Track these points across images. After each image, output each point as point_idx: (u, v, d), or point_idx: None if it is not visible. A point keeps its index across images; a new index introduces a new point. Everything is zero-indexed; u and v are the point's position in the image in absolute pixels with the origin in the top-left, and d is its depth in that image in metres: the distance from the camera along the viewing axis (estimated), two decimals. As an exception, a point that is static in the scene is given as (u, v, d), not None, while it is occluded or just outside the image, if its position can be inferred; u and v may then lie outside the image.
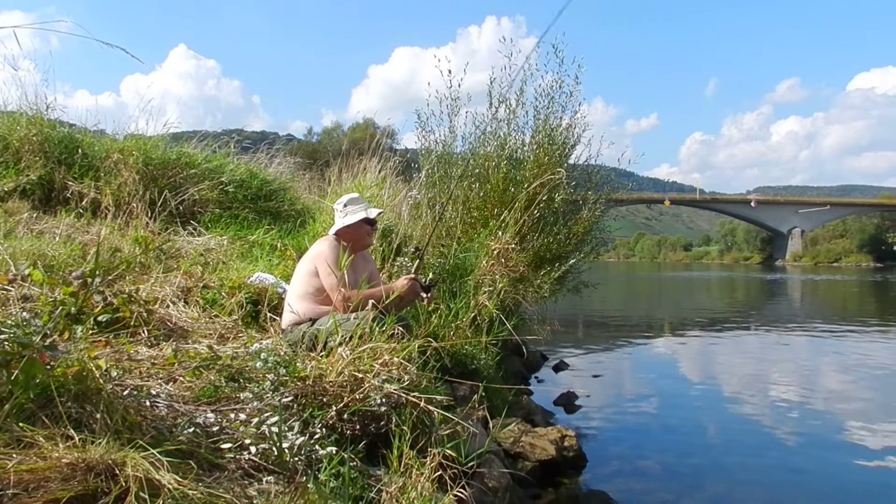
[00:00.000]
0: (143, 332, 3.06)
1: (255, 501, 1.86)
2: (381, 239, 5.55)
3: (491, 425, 3.30)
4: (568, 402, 7.13)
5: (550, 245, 7.01)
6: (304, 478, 2.05)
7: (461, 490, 2.31)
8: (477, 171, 7.27)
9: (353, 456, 2.26)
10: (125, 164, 6.23)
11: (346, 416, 2.51)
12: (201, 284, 4.04)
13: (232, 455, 2.05)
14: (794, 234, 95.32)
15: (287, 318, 3.43)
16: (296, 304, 3.41)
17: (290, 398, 2.45)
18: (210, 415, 2.25)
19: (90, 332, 2.73)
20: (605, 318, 17.66)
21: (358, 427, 2.53)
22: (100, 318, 2.91)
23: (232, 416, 2.29)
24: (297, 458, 2.12)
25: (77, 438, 1.71)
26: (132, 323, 3.05)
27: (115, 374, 2.28)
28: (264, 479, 2.02)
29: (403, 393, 2.58)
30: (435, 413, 2.62)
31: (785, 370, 10.08)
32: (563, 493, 4.50)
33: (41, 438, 1.69)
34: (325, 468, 2.10)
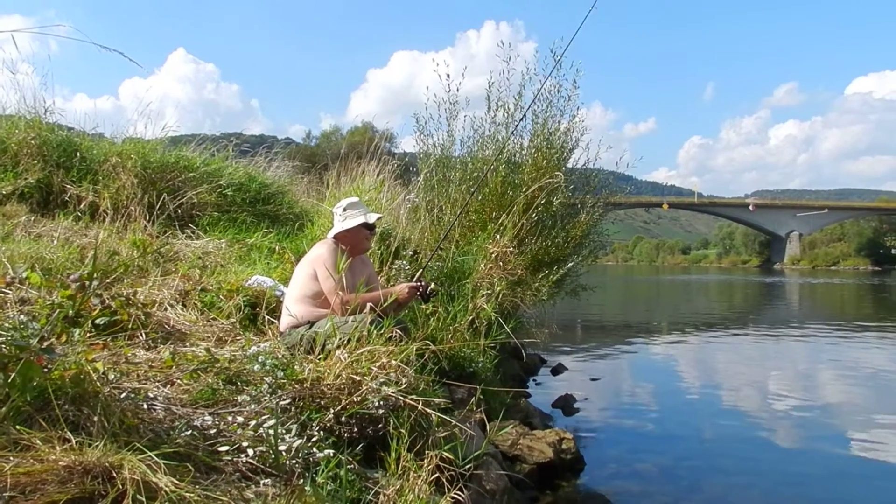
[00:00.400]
0: (141, 335, 3.06)
1: (252, 504, 1.87)
2: (380, 242, 5.56)
3: (488, 428, 3.30)
4: (566, 404, 7.12)
5: (548, 248, 7.01)
6: (302, 480, 2.05)
7: (458, 492, 2.31)
8: (475, 174, 7.28)
9: (350, 458, 2.26)
10: (123, 167, 6.24)
11: (343, 418, 2.52)
12: (199, 287, 4.04)
13: (229, 458, 2.05)
14: (793, 238, 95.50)
15: (285, 321, 3.44)
16: (294, 307, 3.41)
17: (287, 401, 2.45)
18: (207, 417, 2.25)
19: (88, 335, 2.73)
20: (603, 322, 17.66)
21: (355, 430, 2.53)
22: (97, 321, 2.91)
23: (229, 418, 2.29)
24: (294, 461, 2.12)
25: (74, 441, 1.71)
26: (130, 326, 3.05)
27: (113, 376, 2.28)
28: (261, 482, 2.02)
29: (401, 396, 2.58)
30: (433, 416, 2.62)
31: (782, 373, 10.10)
32: (560, 496, 4.49)
33: (38, 441, 1.69)
34: (323, 471, 2.11)
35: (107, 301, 3.06)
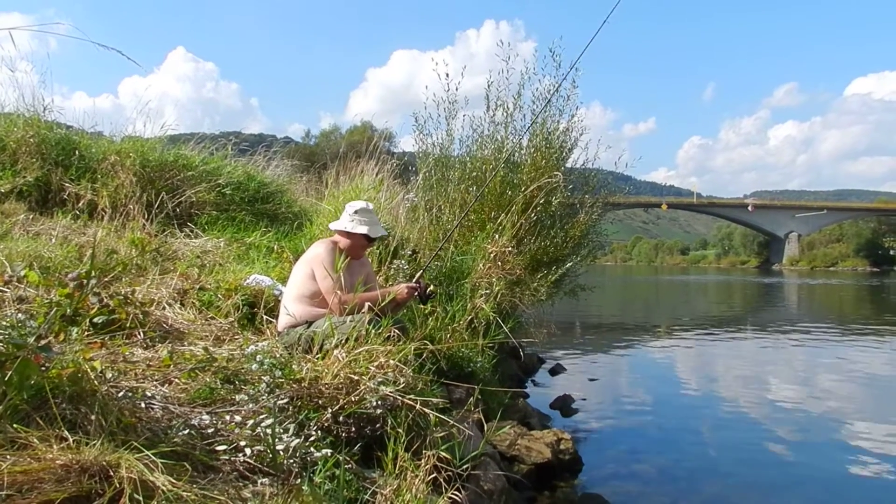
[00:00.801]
0: (139, 333, 3.06)
1: (249, 503, 1.87)
2: (378, 242, 5.55)
3: (486, 428, 3.29)
4: (564, 405, 7.13)
5: (547, 248, 7.02)
6: (299, 480, 2.05)
7: (456, 493, 2.31)
8: (474, 174, 7.28)
9: (348, 458, 2.26)
10: (122, 165, 6.23)
11: (341, 418, 2.52)
12: (197, 286, 4.04)
13: (227, 457, 2.05)
14: (791, 239, 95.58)
15: (283, 321, 3.44)
16: (292, 306, 3.41)
17: (285, 400, 2.45)
18: (205, 417, 2.25)
19: (86, 333, 2.73)
20: (601, 322, 17.67)
21: (353, 429, 2.53)
22: (95, 320, 2.91)
23: (227, 417, 2.29)
24: (291, 461, 2.12)
25: (71, 440, 1.71)
26: (128, 325, 3.05)
27: (111, 375, 2.28)
28: (259, 481, 2.02)
29: (399, 395, 2.58)
30: (430, 415, 2.62)
31: (781, 374, 10.11)
32: (558, 497, 4.50)
33: (35, 440, 1.69)
34: (320, 470, 2.11)
35: (105, 300, 3.06)
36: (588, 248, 8.13)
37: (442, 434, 2.64)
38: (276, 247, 5.66)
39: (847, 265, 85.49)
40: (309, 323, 3.34)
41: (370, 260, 4.67)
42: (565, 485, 4.67)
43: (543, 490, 4.48)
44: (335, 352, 2.77)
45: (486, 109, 7.79)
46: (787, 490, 4.96)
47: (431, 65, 7.72)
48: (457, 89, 7.76)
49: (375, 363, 2.71)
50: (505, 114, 7.65)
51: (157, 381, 2.47)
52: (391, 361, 2.73)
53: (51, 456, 1.63)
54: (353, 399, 2.53)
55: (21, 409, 1.78)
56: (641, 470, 5.31)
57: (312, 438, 2.29)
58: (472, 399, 3.16)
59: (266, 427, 2.15)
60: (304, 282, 3.46)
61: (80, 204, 5.96)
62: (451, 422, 2.72)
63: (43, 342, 1.97)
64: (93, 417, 1.85)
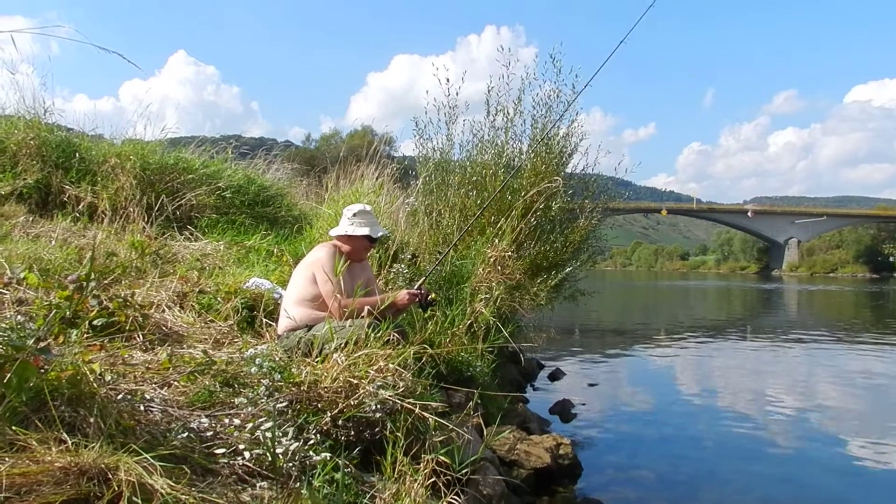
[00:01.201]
0: (138, 336, 3.06)
1: (248, 507, 1.86)
2: (378, 246, 5.55)
3: (486, 432, 3.29)
4: (564, 410, 7.12)
5: (547, 253, 7.02)
6: (298, 483, 2.04)
7: (455, 497, 2.31)
8: (474, 178, 7.29)
9: (347, 462, 2.26)
10: (122, 168, 6.24)
11: (340, 422, 2.51)
12: (197, 289, 4.04)
13: (226, 460, 2.05)
14: (791, 245, 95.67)
15: (283, 324, 3.43)
16: (292, 309, 3.41)
17: (284, 404, 2.45)
18: (204, 420, 2.25)
19: (85, 336, 2.73)
20: (601, 327, 17.66)
21: (352, 433, 2.52)
22: (95, 323, 2.91)
23: (226, 421, 2.29)
24: (290, 464, 2.12)
25: (70, 442, 1.71)
26: (127, 327, 3.05)
27: (110, 378, 2.28)
28: (258, 485, 2.01)
29: (398, 399, 2.58)
30: (429, 420, 2.62)
31: (780, 380, 10.09)
32: (558, 501, 4.49)
33: (34, 442, 1.68)
34: (319, 474, 2.10)
35: (104, 302, 3.06)
36: (588, 253, 8.13)
37: (441, 438, 2.64)
38: (275, 250, 5.66)
39: (847, 271, 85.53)
40: (309, 326, 3.34)
41: (370, 264, 4.67)
42: (564, 490, 4.66)
43: (542, 495, 4.47)
44: (335, 355, 2.77)
45: (487, 114, 7.80)
46: (786, 496, 4.95)
47: (432, 69, 7.74)
48: (457, 94, 7.78)
49: (375, 367, 2.71)
50: (505, 119, 7.67)
51: (156, 383, 2.47)
52: (391, 365, 2.73)
53: (49, 458, 1.63)
54: (352, 403, 2.53)
55: (20, 411, 1.78)
56: (641, 475, 5.29)
57: (311, 442, 2.29)
58: (471, 403, 3.16)
59: (265, 430, 2.15)
60: (304, 285, 3.46)
61: (80, 206, 5.96)
62: (451, 426, 2.72)
63: (42, 344, 1.97)
64: (92, 420, 1.85)
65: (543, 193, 6.81)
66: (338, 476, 2.09)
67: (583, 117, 7.96)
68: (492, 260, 5.94)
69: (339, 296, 3.34)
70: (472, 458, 2.69)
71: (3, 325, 2.08)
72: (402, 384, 2.67)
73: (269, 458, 2.09)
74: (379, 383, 2.61)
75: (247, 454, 2.08)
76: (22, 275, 3.20)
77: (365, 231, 3.62)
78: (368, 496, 2.19)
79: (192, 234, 5.88)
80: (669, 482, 5.17)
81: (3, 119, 6.55)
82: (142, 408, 2.17)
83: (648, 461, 5.65)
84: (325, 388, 2.58)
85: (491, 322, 4.90)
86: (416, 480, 2.27)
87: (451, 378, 4.02)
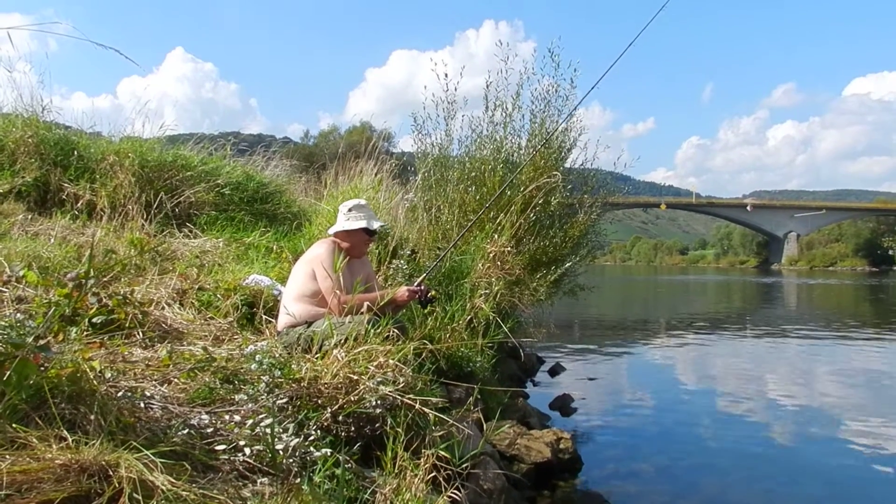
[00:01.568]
0: (138, 333, 3.06)
1: (248, 503, 1.86)
2: (378, 241, 5.55)
3: (486, 427, 3.30)
4: (563, 404, 7.13)
5: (546, 248, 7.02)
6: (299, 479, 2.05)
7: (455, 492, 2.31)
8: (473, 174, 7.28)
9: (347, 458, 2.26)
10: (121, 166, 6.22)
11: (340, 417, 2.52)
12: (196, 286, 4.04)
13: (226, 456, 2.05)
14: (790, 238, 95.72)
15: (283, 320, 3.44)
16: (292, 306, 3.41)
17: (284, 400, 2.45)
18: (204, 416, 2.25)
19: (84, 333, 2.73)
20: (601, 322, 17.68)
21: (352, 429, 2.53)
22: (94, 320, 2.91)
23: (226, 417, 2.29)
24: (291, 460, 2.12)
25: (70, 440, 1.71)
26: (127, 325, 3.05)
27: (110, 375, 2.28)
28: (258, 481, 2.02)
29: (398, 395, 2.58)
30: (430, 415, 2.62)
31: (780, 373, 10.11)
32: (558, 496, 4.50)
33: (34, 439, 1.68)
34: (320, 470, 2.10)
35: (104, 300, 3.06)
36: (587, 247, 8.14)
37: (441, 433, 2.64)
38: (274, 247, 5.66)
39: (846, 265, 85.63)
40: (309, 323, 3.34)
41: (370, 260, 4.67)
42: (565, 484, 4.68)
43: (543, 489, 4.48)
44: (335, 351, 2.77)
45: (485, 110, 7.79)
46: (787, 489, 4.96)
47: (430, 65, 7.73)
48: (456, 89, 7.77)
49: (375, 363, 2.71)
50: (504, 114, 7.65)
51: (156, 380, 2.47)
52: (390, 361, 2.73)
53: (50, 456, 1.63)
54: (352, 398, 2.53)
55: (20, 408, 1.78)
56: (641, 469, 5.31)
57: (312, 438, 2.29)
58: (471, 398, 3.16)
59: (265, 427, 2.15)
60: (304, 282, 3.46)
61: (78, 204, 5.95)
62: (451, 421, 2.72)
63: (42, 342, 1.96)
64: (92, 417, 1.85)
65: (543, 188, 6.81)
66: (338, 472, 2.09)
67: (582, 112, 7.96)
68: (491, 255, 5.94)
69: (338, 292, 3.34)
70: (473, 453, 2.70)
71: (3, 323, 2.07)
72: (402, 380, 2.67)
73: (270, 455, 2.09)
74: (379, 379, 2.61)
75: (247, 450, 2.08)
76: (21, 273, 3.20)
77: (362, 224, 3.62)
78: (369, 491, 2.20)
79: (191, 232, 5.87)
80: (669, 475, 5.19)
81: (1, 117, 6.54)
82: (142, 405, 2.17)
83: (648, 455, 5.67)
84: (325, 384, 2.58)
85: (491, 317, 4.90)
86: (416, 475, 2.27)
87: (451, 373, 4.03)
